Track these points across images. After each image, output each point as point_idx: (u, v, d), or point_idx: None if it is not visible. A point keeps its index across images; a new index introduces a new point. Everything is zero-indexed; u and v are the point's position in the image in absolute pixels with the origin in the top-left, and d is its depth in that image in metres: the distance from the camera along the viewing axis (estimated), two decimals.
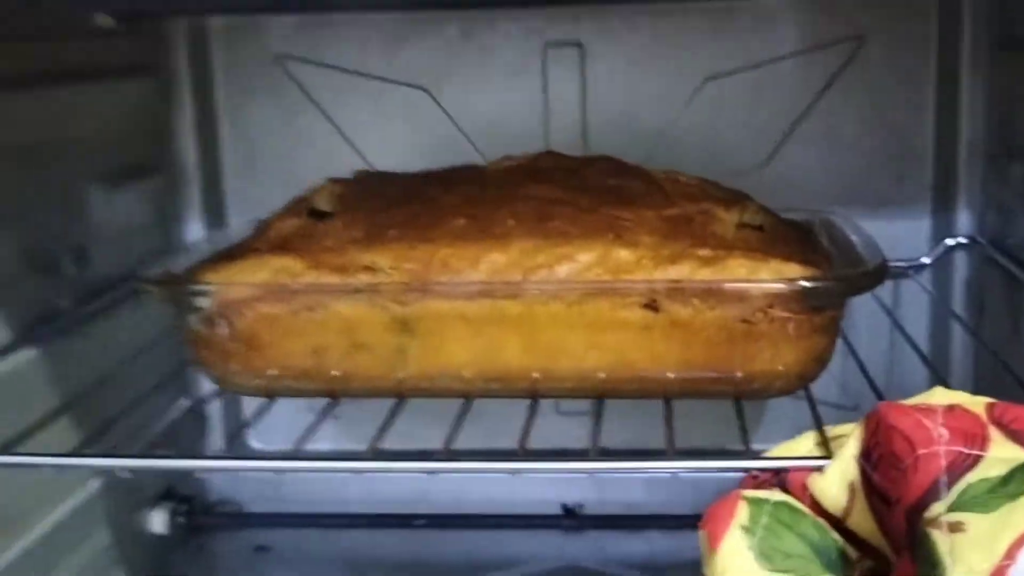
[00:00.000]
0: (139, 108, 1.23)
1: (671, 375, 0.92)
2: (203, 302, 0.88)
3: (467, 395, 0.91)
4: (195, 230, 1.35)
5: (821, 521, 0.77)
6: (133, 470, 0.88)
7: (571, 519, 1.37)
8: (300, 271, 0.89)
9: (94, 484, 1.10)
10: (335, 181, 0.97)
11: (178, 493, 1.29)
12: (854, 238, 0.98)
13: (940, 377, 0.87)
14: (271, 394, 0.92)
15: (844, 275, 0.89)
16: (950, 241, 1.28)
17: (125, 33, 1.19)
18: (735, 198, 0.95)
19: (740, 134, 1.29)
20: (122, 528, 1.18)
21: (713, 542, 0.76)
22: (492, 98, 1.32)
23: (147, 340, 1.12)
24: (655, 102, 1.30)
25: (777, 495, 0.78)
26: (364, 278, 0.89)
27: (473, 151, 1.30)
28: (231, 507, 1.40)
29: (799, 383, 0.93)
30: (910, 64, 1.24)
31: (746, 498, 0.77)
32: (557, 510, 1.38)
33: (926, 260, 1.29)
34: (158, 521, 1.26)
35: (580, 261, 0.91)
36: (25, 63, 1.01)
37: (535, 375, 0.93)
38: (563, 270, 0.93)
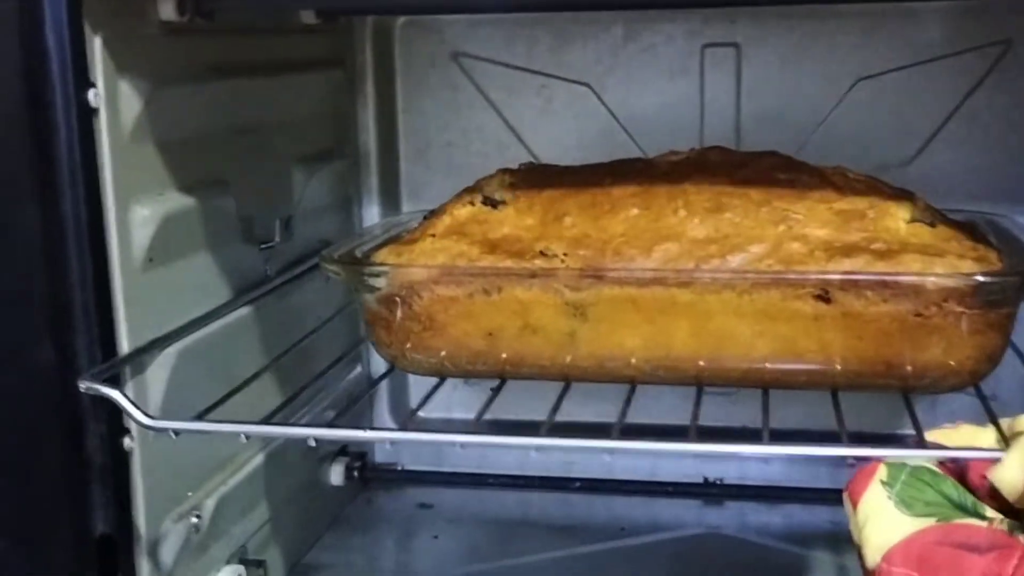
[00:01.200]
0: (330, 98, 1.19)
1: (840, 367, 0.82)
2: (383, 283, 0.76)
3: (633, 380, 0.81)
4: (372, 212, 1.27)
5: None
6: (317, 439, 0.81)
7: (713, 489, 1.24)
8: (477, 256, 0.78)
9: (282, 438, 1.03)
10: (505, 171, 0.83)
11: (352, 451, 1.22)
12: (1022, 237, 0.80)
13: None
14: (443, 374, 0.82)
15: (1019, 273, 0.71)
16: None
17: (322, 30, 1.15)
18: (906, 194, 0.78)
19: (888, 132, 1.17)
20: (306, 477, 1.13)
21: (854, 497, 0.70)
22: (652, 96, 1.21)
23: (330, 310, 1.08)
24: (807, 101, 1.18)
25: (917, 461, 0.70)
26: (539, 263, 0.75)
27: (633, 145, 1.21)
28: (396, 466, 1.32)
29: (970, 379, 0.83)
30: None
31: (886, 463, 0.71)
32: (699, 480, 1.25)
33: None
34: (336, 474, 1.19)
35: (752, 252, 0.81)
36: (248, 55, 0.99)
37: (702, 363, 0.84)
38: (735, 260, 0.83)
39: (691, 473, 1.24)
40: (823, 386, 0.82)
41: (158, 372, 0.84)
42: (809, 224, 0.82)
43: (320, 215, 1.15)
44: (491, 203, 0.86)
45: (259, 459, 1.00)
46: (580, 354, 0.82)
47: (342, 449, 1.20)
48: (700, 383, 0.83)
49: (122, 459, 0.79)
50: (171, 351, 0.84)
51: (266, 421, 0.81)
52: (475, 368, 0.85)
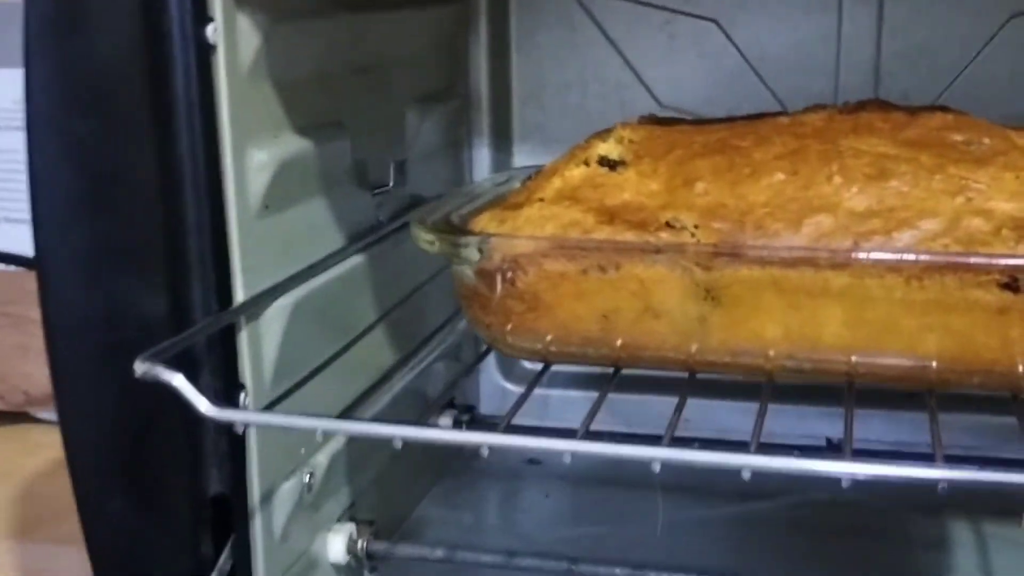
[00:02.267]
0: (442, 34, 1.01)
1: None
2: (481, 255, 0.51)
3: (771, 375, 0.55)
4: (483, 156, 1.07)
5: None
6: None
7: (834, 451, 0.99)
8: (592, 226, 0.56)
9: (391, 392, 0.88)
10: (625, 126, 0.59)
11: (459, 403, 1.04)
12: None
13: None
14: (548, 359, 0.60)
15: None
16: None
17: None
18: None
19: None
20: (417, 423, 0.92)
21: None
22: (785, 33, 1.00)
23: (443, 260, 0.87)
24: (954, 40, 0.96)
25: None
26: (665, 236, 0.56)
27: (763, 88, 1.00)
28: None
29: None
30: None
31: None
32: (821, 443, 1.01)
33: None
34: (444, 426, 1.00)
35: (924, 229, 0.59)
36: None
37: (855, 358, 0.63)
38: (903, 238, 0.63)
39: (813, 434, 1.02)
40: (1004, 389, 0.58)
41: (272, 325, 0.71)
42: (994, 196, 0.59)
43: (432, 158, 0.99)
44: (608, 164, 0.66)
45: (369, 414, 0.87)
46: (710, 343, 0.62)
47: (450, 402, 1.03)
48: (850, 381, 0.59)
49: None
50: (285, 301, 0.72)
51: (348, 415, 0.70)
52: (586, 355, 0.65)
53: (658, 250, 0.60)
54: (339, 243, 0.81)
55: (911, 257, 0.58)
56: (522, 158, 1.08)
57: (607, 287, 0.62)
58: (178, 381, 0.57)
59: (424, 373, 0.95)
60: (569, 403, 1.07)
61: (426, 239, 0.64)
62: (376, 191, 0.87)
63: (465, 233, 0.65)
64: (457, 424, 1.01)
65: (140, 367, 0.57)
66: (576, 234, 0.63)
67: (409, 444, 0.87)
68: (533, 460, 1.06)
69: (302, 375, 0.75)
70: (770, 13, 1.01)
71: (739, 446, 0.58)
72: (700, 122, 0.72)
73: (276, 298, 0.71)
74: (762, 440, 0.99)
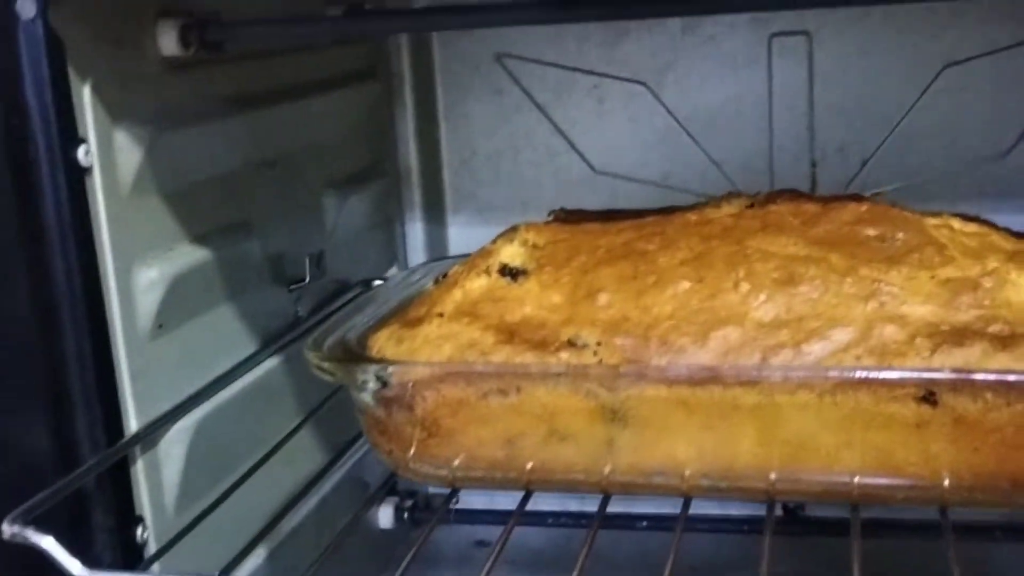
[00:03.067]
0: (365, 113, 0.98)
1: (949, 483, 0.52)
2: (379, 384, 0.47)
3: (687, 495, 0.50)
4: (417, 231, 1.06)
5: None
6: None
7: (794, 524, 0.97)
8: (491, 347, 0.53)
9: (330, 482, 0.87)
10: (530, 228, 0.56)
11: (401, 489, 1.00)
12: None
13: None
14: (455, 485, 0.54)
15: None
16: None
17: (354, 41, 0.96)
18: None
19: (981, 123, 0.94)
20: (352, 522, 0.90)
21: None
22: (715, 91, 0.98)
23: None
24: (888, 91, 0.95)
25: None
26: (566, 356, 0.53)
27: (695, 148, 0.98)
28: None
29: None
30: None
31: None
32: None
33: None
34: (384, 517, 0.98)
35: (835, 339, 0.58)
36: (268, 80, 0.81)
37: (772, 476, 0.57)
38: (813, 350, 0.59)
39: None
40: (927, 504, 0.55)
41: (173, 449, 0.68)
42: (908, 299, 0.56)
43: (360, 240, 0.97)
44: (510, 273, 0.61)
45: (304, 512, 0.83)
46: (620, 465, 0.60)
47: (391, 488, 0.99)
48: (771, 499, 0.57)
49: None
50: (187, 422, 0.69)
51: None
52: (494, 480, 0.61)
53: (558, 373, 0.58)
54: (252, 347, 0.78)
55: (820, 374, 0.55)
56: (457, 229, 1.06)
57: (509, 411, 0.59)
58: (47, 544, 0.53)
59: (361, 461, 0.91)
60: None
61: (321, 368, 0.61)
62: (293, 286, 0.83)
63: (361, 361, 0.61)
64: (399, 511, 0.98)
65: (7, 529, 0.53)
66: (474, 355, 0.59)
67: (346, 535, 0.84)
68: (481, 542, 1.03)
69: (215, 495, 0.71)
70: (698, 72, 0.98)
71: None
72: (610, 216, 0.68)
73: (176, 420, 0.68)
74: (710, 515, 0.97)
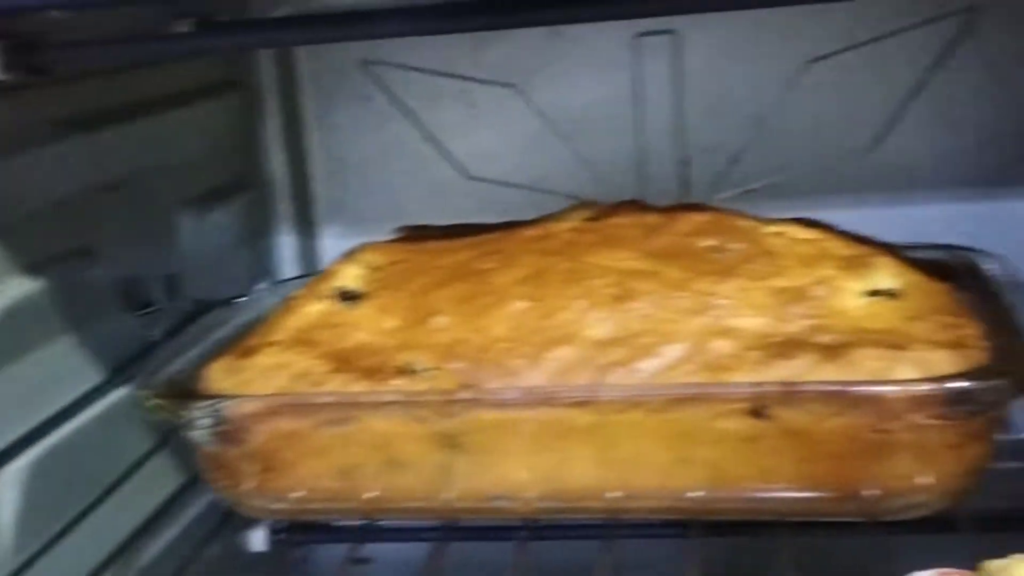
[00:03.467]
0: (227, 126, 0.95)
1: (784, 494, 0.56)
2: (211, 420, 0.46)
3: (529, 517, 0.48)
4: (287, 243, 1.03)
5: None
6: None
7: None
8: (323, 376, 0.52)
9: (198, 507, 0.82)
10: (371, 248, 0.56)
11: None
12: (1007, 290, 0.53)
13: None
14: (296, 517, 0.50)
15: (1012, 370, 0.44)
16: None
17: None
18: (861, 256, 0.52)
19: (845, 117, 0.93)
20: (224, 546, 0.86)
21: None
22: (584, 92, 0.97)
23: None
24: (755, 88, 0.94)
25: None
26: (400, 383, 0.52)
27: (567, 150, 0.96)
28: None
29: (948, 499, 0.59)
30: None
31: None
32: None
33: None
34: (257, 539, 0.89)
35: (667, 356, 0.57)
36: (111, 98, 0.78)
37: (612, 494, 0.56)
38: (645, 367, 0.58)
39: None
40: (765, 515, 0.56)
41: (8, 492, 0.64)
42: (739, 312, 0.56)
43: (223, 258, 0.93)
44: (348, 297, 0.59)
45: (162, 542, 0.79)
46: (460, 491, 0.58)
47: None
48: (613, 517, 0.56)
49: None
50: (23, 462, 0.65)
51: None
52: (334, 511, 0.59)
53: (389, 402, 0.56)
54: (99, 378, 0.74)
55: (648, 393, 0.55)
56: (330, 241, 1.03)
57: (344, 442, 0.57)
58: None
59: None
60: None
61: (151, 407, 0.59)
62: (142, 312, 0.80)
63: (191, 398, 0.59)
64: (273, 533, 0.96)
65: None
66: (307, 385, 0.58)
67: (220, 556, 0.81)
68: (361, 559, 1.02)
69: (55, 532, 0.68)
70: (567, 74, 0.97)
71: None
72: (455, 233, 0.68)
73: (10, 461, 0.64)
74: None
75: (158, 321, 0.82)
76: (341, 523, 0.98)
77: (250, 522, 0.93)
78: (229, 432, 0.58)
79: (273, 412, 0.57)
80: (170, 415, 0.59)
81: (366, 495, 0.59)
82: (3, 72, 0.64)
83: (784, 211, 0.76)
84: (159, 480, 0.79)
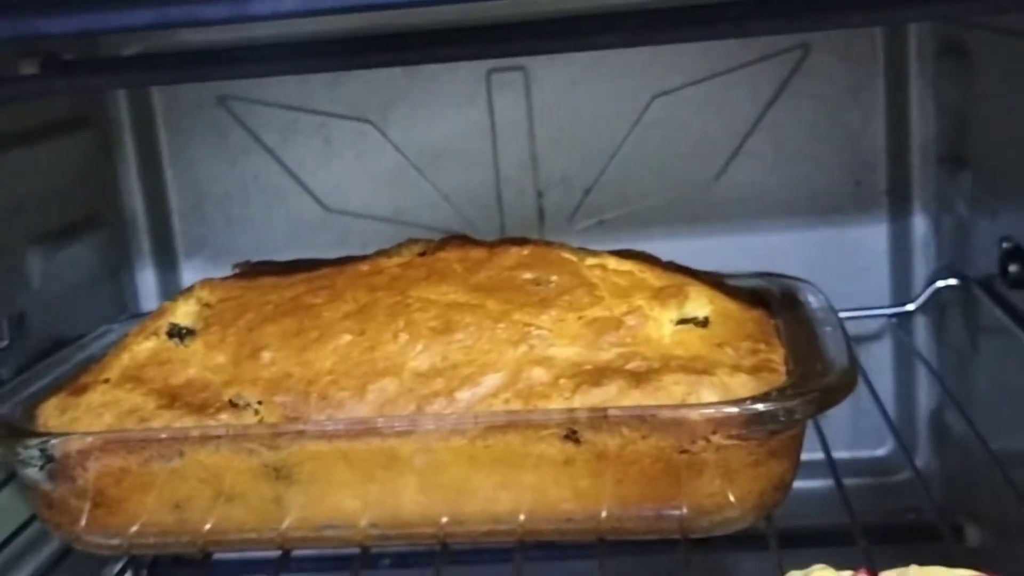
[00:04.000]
0: (79, 163, 0.95)
1: (603, 514, 0.54)
2: (42, 457, 0.47)
3: (361, 545, 0.51)
4: (147, 278, 1.04)
5: None
6: None
7: None
8: (151, 412, 0.54)
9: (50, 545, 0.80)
10: (205, 285, 0.58)
11: None
12: (819, 316, 0.57)
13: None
14: (132, 552, 0.53)
15: (803, 392, 0.48)
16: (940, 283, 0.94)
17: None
18: (673, 287, 0.55)
19: (691, 149, 0.98)
20: None
21: None
22: (439, 127, 1.00)
23: None
24: (603, 122, 0.99)
25: None
26: (226, 417, 0.54)
27: (426, 183, 1.01)
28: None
29: (757, 514, 0.63)
30: (858, 70, 0.96)
31: None
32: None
33: (911, 307, 0.97)
34: None
35: (486, 385, 0.60)
36: None
37: (441, 520, 0.56)
38: (464, 397, 0.61)
39: None
40: (588, 536, 0.59)
41: None
42: (555, 342, 0.59)
43: (78, 294, 0.93)
44: (178, 334, 0.61)
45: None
46: (292, 522, 0.60)
47: None
48: (444, 542, 0.59)
49: None
50: None
51: None
52: (171, 544, 0.60)
53: (215, 436, 0.58)
54: None
55: (467, 422, 0.57)
56: (190, 275, 1.03)
57: (174, 477, 0.59)
58: None
59: None
60: None
61: None
62: None
63: (18, 435, 0.60)
64: (139, 572, 0.96)
65: None
66: (134, 422, 0.59)
67: None
68: None
69: None
70: (422, 109, 1.00)
71: None
72: (291, 269, 0.69)
73: None
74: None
75: (6, 359, 0.82)
76: (219, 559, 0.99)
77: (102, 561, 0.93)
78: (60, 469, 0.59)
79: (101, 449, 0.58)
80: (2, 453, 0.60)
81: (200, 528, 0.61)
82: None
83: (637, 240, 0.80)
84: (5, 517, 0.80)
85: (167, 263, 1.04)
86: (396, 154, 1.01)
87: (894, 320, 0.95)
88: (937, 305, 0.95)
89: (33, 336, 0.85)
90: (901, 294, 0.98)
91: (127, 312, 1.01)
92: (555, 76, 0.98)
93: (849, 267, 0.98)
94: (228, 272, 0.79)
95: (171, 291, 1.05)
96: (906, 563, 0.50)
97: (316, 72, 0.96)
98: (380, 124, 1.01)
